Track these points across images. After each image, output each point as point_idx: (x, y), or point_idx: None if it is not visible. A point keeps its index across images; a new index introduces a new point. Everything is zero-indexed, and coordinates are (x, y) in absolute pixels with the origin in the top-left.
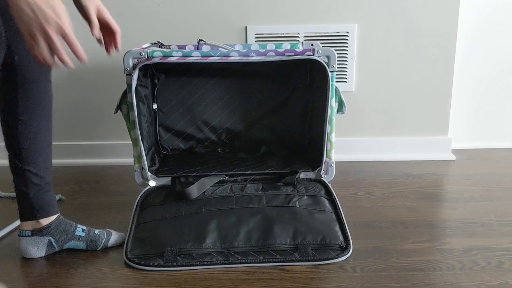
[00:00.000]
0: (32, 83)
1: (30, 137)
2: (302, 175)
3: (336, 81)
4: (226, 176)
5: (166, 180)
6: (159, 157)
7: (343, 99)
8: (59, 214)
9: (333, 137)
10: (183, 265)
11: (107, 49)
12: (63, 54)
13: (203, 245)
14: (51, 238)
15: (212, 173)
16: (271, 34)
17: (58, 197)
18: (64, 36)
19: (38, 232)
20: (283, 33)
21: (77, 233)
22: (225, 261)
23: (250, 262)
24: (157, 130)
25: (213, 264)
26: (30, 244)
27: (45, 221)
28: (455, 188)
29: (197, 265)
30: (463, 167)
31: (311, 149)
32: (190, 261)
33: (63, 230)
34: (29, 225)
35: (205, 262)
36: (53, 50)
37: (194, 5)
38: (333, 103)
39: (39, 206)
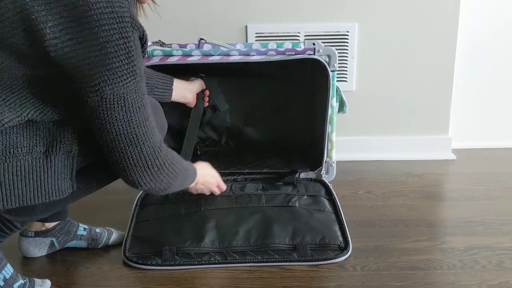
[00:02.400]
0: None
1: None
2: (302, 174)
3: (337, 81)
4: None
5: None
6: None
7: (344, 98)
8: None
9: (334, 137)
10: (181, 264)
11: None
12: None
13: (201, 244)
14: (53, 239)
15: None
16: (271, 33)
17: None
18: (220, 187)
19: (42, 233)
20: (284, 32)
21: (79, 232)
22: (223, 261)
23: (249, 262)
24: None
25: (211, 264)
26: (32, 245)
27: (50, 225)
28: (456, 187)
29: (195, 264)
30: (463, 166)
31: (312, 148)
32: (188, 260)
33: (67, 231)
34: (34, 227)
35: (203, 262)
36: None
37: (195, 4)
38: (333, 102)
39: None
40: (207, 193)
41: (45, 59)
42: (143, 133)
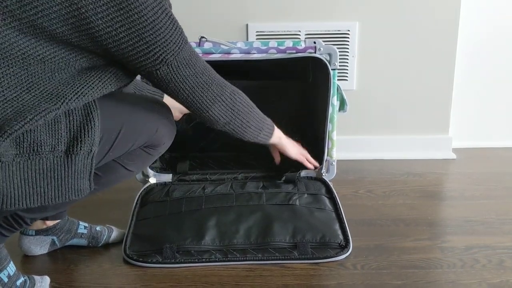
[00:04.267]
0: None
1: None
2: (303, 173)
3: (337, 79)
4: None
5: (166, 177)
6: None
7: (345, 97)
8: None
9: (335, 136)
10: (181, 262)
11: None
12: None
13: (202, 242)
14: (54, 238)
15: (212, 171)
16: (272, 31)
17: None
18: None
19: (43, 232)
20: (284, 31)
21: (79, 230)
22: (224, 259)
23: (249, 260)
24: None
25: (211, 262)
26: (33, 244)
27: (51, 223)
28: (456, 187)
29: (196, 262)
30: (463, 166)
31: (312, 147)
32: (189, 258)
33: (67, 229)
34: (35, 225)
35: (204, 259)
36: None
37: (196, 2)
38: (334, 101)
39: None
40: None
41: (97, 48)
42: (207, 77)
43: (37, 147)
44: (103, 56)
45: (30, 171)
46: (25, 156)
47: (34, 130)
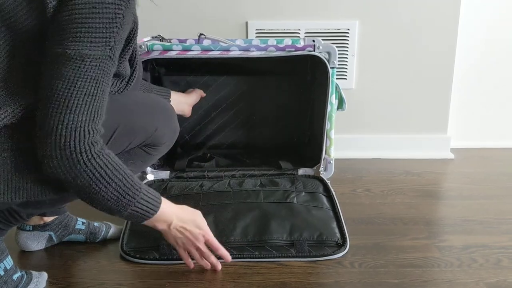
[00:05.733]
0: None
1: None
2: (300, 171)
3: (336, 78)
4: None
5: (164, 174)
6: None
7: (344, 96)
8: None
9: (333, 134)
10: (178, 259)
11: None
12: (212, 258)
13: None
14: (52, 233)
15: (210, 168)
16: (271, 29)
17: None
18: (210, 244)
19: (40, 227)
20: (284, 29)
21: (77, 226)
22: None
23: (246, 257)
24: None
25: None
26: (29, 239)
27: (49, 219)
28: (454, 186)
29: (193, 259)
30: (462, 165)
31: (311, 145)
32: None
33: (65, 225)
34: (32, 221)
35: None
36: (204, 257)
37: (195, 0)
38: (333, 99)
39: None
40: (192, 248)
41: (43, 26)
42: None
43: (23, 142)
44: None
45: (16, 166)
46: (12, 150)
47: (20, 124)
